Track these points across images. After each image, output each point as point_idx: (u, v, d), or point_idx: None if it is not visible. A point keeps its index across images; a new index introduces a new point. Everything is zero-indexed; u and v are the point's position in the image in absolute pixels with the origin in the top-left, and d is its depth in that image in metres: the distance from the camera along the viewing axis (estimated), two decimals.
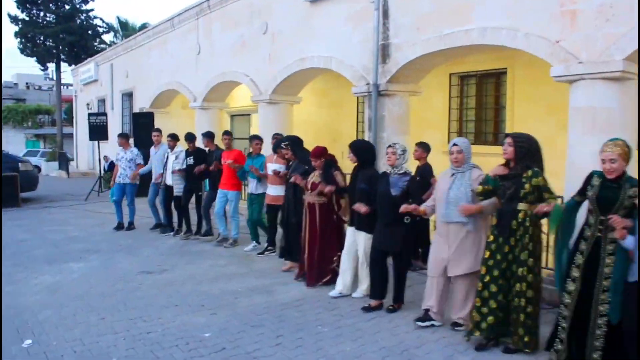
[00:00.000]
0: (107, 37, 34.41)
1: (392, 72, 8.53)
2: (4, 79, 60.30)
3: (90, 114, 16.32)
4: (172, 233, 10.17)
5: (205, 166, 9.50)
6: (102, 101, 23.02)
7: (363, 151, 6.45)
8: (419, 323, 5.55)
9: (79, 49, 30.17)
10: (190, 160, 9.77)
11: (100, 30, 32.18)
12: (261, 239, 8.95)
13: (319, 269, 6.90)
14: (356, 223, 6.36)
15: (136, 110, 18.63)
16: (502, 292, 4.91)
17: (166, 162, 10.13)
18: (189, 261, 8.25)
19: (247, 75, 12.02)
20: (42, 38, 30.26)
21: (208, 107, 14.01)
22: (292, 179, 7.24)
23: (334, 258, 6.88)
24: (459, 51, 8.00)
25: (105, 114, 16.76)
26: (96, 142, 17.74)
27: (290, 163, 7.80)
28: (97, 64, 23.00)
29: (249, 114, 17.07)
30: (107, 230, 10.72)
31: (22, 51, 30.21)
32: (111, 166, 17.44)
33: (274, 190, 8.26)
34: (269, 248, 8.65)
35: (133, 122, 15.68)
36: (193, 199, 10.08)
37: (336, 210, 6.88)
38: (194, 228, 10.03)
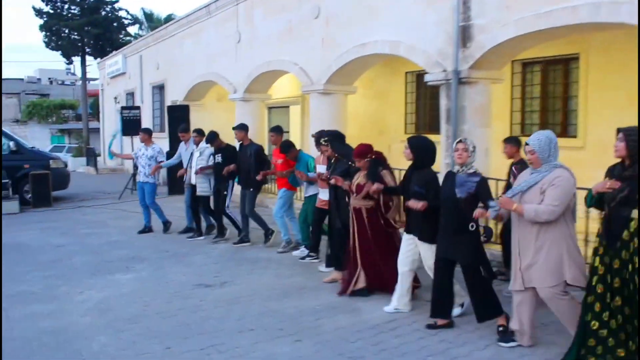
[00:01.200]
0: (132, 30, 33.67)
1: (476, 57, 7.52)
2: (27, 74, 60.23)
3: (123, 108, 15.50)
4: (199, 237, 9.40)
5: (235, 166, 8.67)
6: (130, 94, 22.23)
7: (422, 150, 5.52)
8: (502, 344, 4.79)
9: (104, 41, 29.47)
10: (219, 158, 8.91)
11: (126, 22, 31.42)
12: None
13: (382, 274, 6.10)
14: (418, 232, 5.48)
15: (168, 103, 17.80)
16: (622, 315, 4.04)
17: (190, 159, 9.34)
18: (248, 271, 7.34)
19: (296, 64, 11.07)
20: (66, 31, 29.59)
21: (250, 98, 13.09)
22: (332, 181, 6.37)
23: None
24: (560, 32, 6.97)
25: (138, 108, 15.93)
26: (124, 137, 16.91)
27: (332, 161, 6.91)
28: (125, 56, 22.21)
29: (287, 106, 16.18)
30: (149, 234, 9.85)
31: (47, 45, 29.59)
32: None
33: (325, 194, 7.31)
34: (311, 254, 7.84)
35: (168, 115, 14.83)
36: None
37: (383, 212, 5.99)
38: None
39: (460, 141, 5.02)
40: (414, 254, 5.59)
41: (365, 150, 5.99)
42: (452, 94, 7.78)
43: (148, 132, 10.32)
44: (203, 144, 9.26)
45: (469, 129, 7.74)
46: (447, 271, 5.15)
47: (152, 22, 33.06)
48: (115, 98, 23.68)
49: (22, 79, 55.44)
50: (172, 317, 5.61)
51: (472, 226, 4.86)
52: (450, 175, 5.10)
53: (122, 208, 13.02)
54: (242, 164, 8.66)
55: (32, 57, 74.49)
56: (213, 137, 8.99)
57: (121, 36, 30.67)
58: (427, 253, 5.40)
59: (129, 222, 10.94)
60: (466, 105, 7.77)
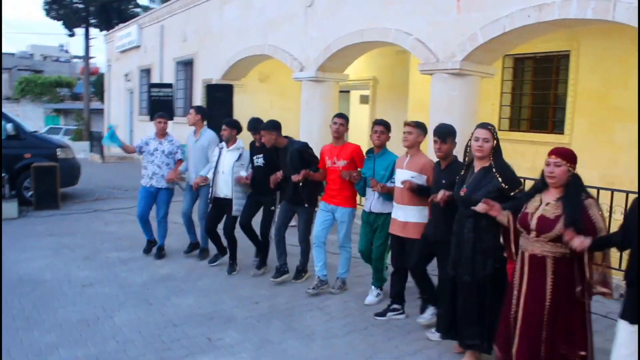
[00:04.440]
0: (142, 1, 30.32)
1: None
2: (18, 48, 56.48)
3: (152, 85, 12.43)
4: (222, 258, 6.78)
5: (283, 173, 5.92)
6: (145, 72, 19.11)
7: None
8: None
9: (111, 12, 26.20)
10: (260, 161, 6.22)
11: None
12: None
13: None
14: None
15: (197, 82, 14.80)
16: None
17: (217, 161, 6.46)
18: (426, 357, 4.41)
19: (410, 34, 8.08)
20: None
21: (323, 78, 10.07)
22: (480, 208, 3.79)
23: None
24: None
25: (171, 85, 12.84)
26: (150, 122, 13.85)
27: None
28: (141, 26, 19.07)
29: (347, 91, 13.30)
30: (216, 263, 6.88)
31: (48, 13, 26.33)
32: None
33: (406, 214, 4.86)
34: (394, 307, 5.22)
35: (207, 96, 11.81)
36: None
37: (588, 278, 3.43)
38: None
39: None
40: None
41: (572, 155, 3.54)
42: None
43: (166, 119, 7.21)
44: (238, 142, 6.46)
45: None
46: None
47: None
48: (126, 75, 20.64)
49: (13, 54, 51.89)
50: None
51: None
52: None
53: (151, 215, 9.97)
54: (286, 172, 5.95)
55: (23, 33, 70.59)
56: (258, 125, 6.17)
57: (130, 7, 27.35)
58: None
59: (170, 238, 7.84)
60: None
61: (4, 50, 50.52)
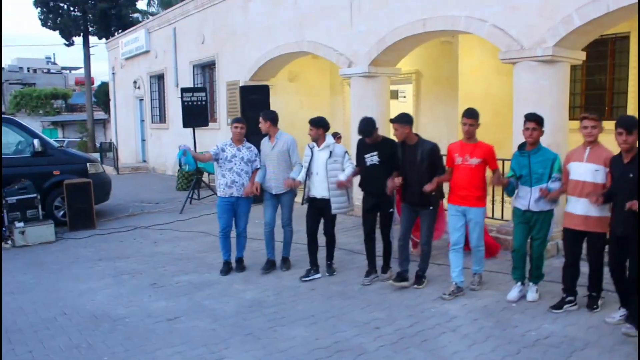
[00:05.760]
0: (140, 5, 29.47)
1: None
2: (5, 62, 55.09)
3: (183, 90, 11.52)
4: (318, 276, 6.31)
5: (402, 178, 5.59)
6: (156, 77, 18.31)
7: None
8: None
9: (110, 19, 25.27)
10: (375, 159, 5.82)
11: None
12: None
13: None
14: None
15: (221, 85, 14.03)
16: None
17: (310, 162, 6.14)
18: None
19: (485, 21, 7.40)
20: (66, 7, 25.32)
21: (375, 74, 9.37)
22: None
23: None
24: None
25: (204, 89, 11.92)
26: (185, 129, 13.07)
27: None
28: (149, 30, 18.25)
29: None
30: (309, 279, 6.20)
31: (44, 23, 25.30)
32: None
33: (587, 207, 4.71)
34: (569, 299, 5.06)
35: (241, 99, 11.04)
36: None
37: None
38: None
39: None
40: None
41: None
42: None
43: (243, 124, 6.53)
44: (329, 139, 6.06)
45: None
46: None
47: None
48: (135, 82, 19.80)
49: (2, 68, 50.67)
50: None
51: None
52: None
53: (198, 228, 9.25)
54: (409, 171, 5.55)
55: (11, 46, 69.59)
56: (371, 127, 5.77)
57: (130, 12, 26.40)
58: None
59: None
60: None
61: None
